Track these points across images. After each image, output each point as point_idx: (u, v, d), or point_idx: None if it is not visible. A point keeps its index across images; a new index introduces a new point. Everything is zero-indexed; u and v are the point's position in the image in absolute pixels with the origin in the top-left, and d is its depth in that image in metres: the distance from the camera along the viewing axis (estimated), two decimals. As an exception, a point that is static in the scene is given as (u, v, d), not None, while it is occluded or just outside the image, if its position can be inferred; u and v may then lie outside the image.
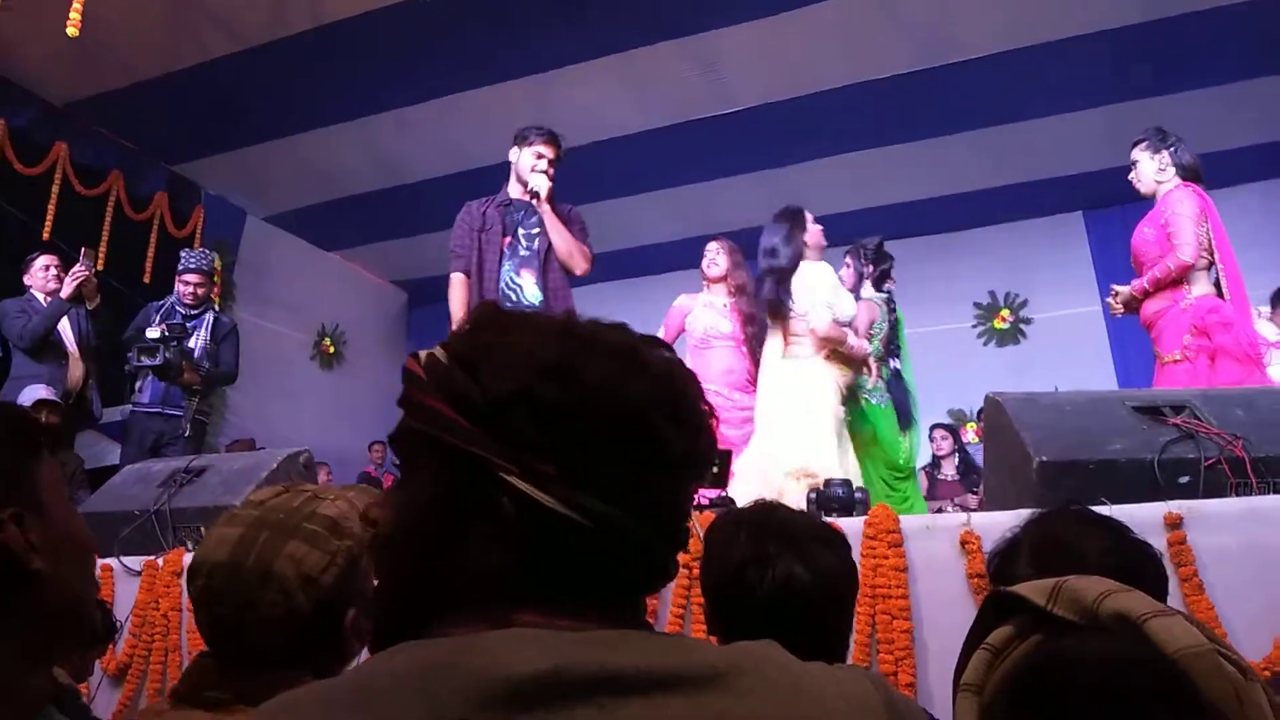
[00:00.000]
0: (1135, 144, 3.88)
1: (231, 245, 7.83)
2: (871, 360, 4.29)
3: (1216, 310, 3.50)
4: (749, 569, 1.23)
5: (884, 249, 4.94)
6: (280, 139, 6.86)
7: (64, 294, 4.81)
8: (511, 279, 3.97)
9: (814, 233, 4.17)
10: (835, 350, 3.98)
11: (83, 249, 5.02)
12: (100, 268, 5.35)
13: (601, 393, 0.67)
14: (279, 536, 1.20)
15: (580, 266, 4.06)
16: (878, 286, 4.84)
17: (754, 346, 4.34)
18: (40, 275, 5.02)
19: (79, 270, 4.83)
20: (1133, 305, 3.80)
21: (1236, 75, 6.01)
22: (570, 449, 0.66)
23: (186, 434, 4.89)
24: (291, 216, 8.19)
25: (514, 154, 4.11)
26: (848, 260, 4.92)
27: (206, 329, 5.09)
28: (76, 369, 4.93)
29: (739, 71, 6.18)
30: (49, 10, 4.50)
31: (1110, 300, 3.90)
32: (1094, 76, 6.05)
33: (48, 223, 6.13)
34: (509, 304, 3.90)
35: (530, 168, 4.00)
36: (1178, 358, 3.50)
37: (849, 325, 4.06)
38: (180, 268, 5.19)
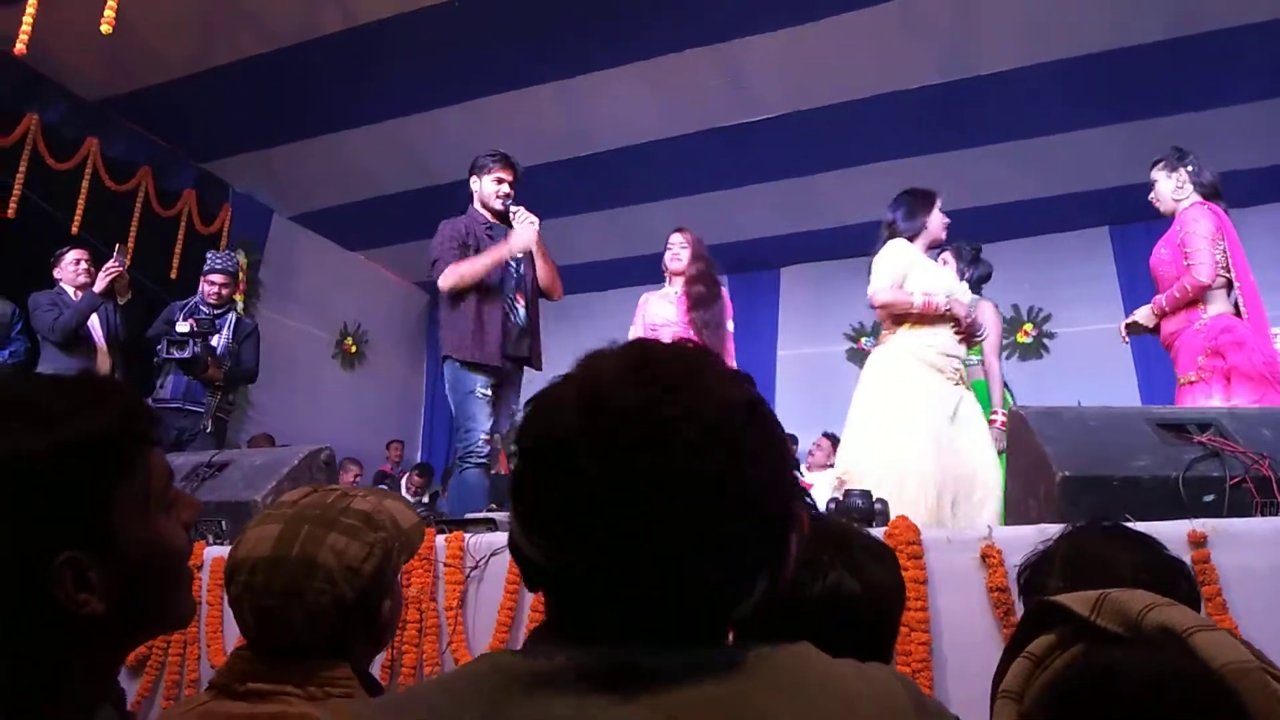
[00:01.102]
0: (1154, 164, 3.88)
1: (257, 243, 7.92)
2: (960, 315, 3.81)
3: (1230, 330, 3.47)
4: (798, 573, 1.23)
5: (981, 254, 4.84)
6: (309, 139, 6.93)
7: (97, 288, 4.90)
8: (511, 300, 4.14)
9: (938, 219, 3.98)
10: (910, 318, 3.74)
11: (116, 245, 5.11)
12: (129, 255, 5.41)
13: (529, 434, 0.71)
14: (319, 529, 1.24)
15: (559, 292, 4.33)
16: (976, 289, 4.72)
17: (700, 332, 4.24)
18: (70, 270, 5.10)
19: (113, 266, 4.92)
20: (1139, 330, 3.80)
21: (1263, 93, 5.95)
22: (519, 495, 0.71)
23: (208, 430, 4.97)
24: (317, 216, 8.27)
25: (474, 182, 4.26)
26: (946, 258, 4.76)
27: (229, 328, 5.19)
28: (105, 363, 5.00)
29: (764, 80, 6.18)
30: (83, 7, 4.56)
31: (1120, 328, 3.90)
32: (1120, 92, 6.01)
33: (77, 217, 6.21)
34: (509, 323, 4.09)
35: (495, 195, 4.17)
36: (1193, 379, 3.48)
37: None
38: (206, 268, 5.28)
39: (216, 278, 5.21)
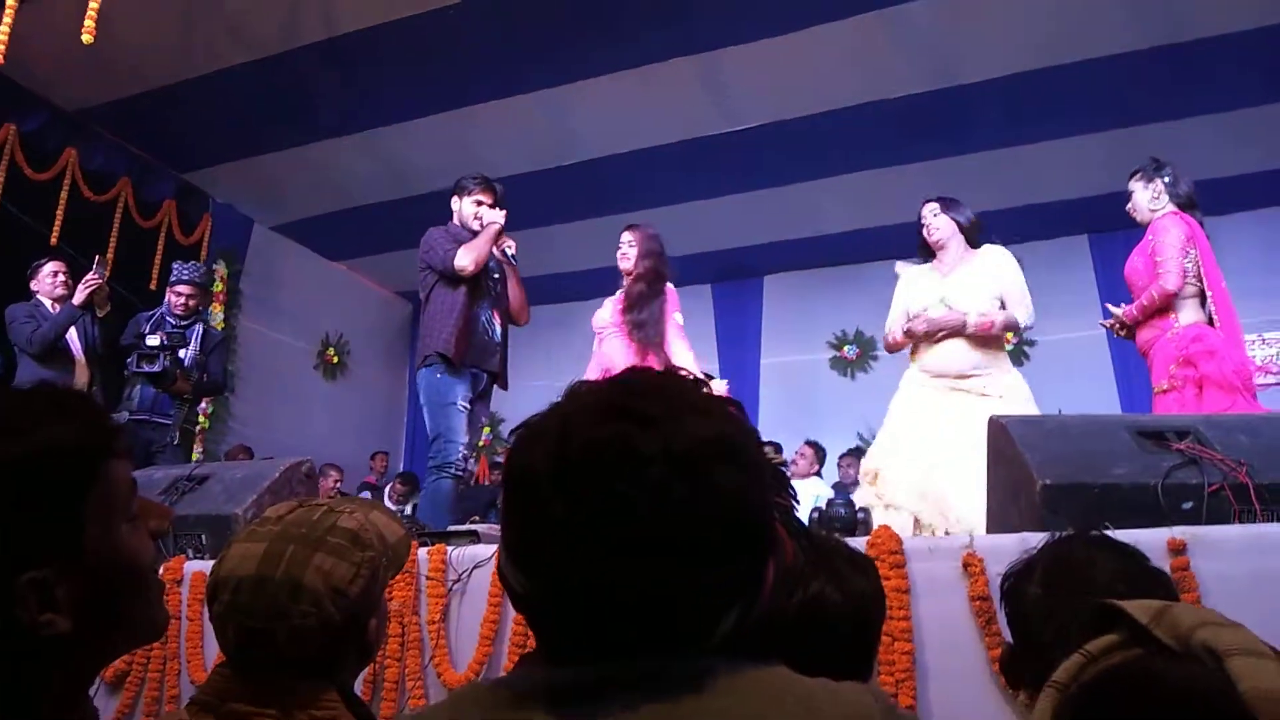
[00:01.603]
0: (1131, 175, 3.93)
1: (238, 254, 7.87)
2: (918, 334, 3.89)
3: (1201, 339, 3.52)
4: (779, 583, 1.23)
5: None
6: (291, 149, 6.90)
7: (76, 301, 4.86)
8: (488, 316, 4.23)
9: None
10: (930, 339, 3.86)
11: (96, 257, 5.07)
12: (109, 268, 5.39)
13: (510, 465, 0.72)
14: (305, 549, 1.22)
15: (525, 318, 4.44)
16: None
17: (632, 333, 4.19)
18: (48, 282, 5.06)
19: (92, 278, 4.88)
20: (1125, 330, 3.84)
21: (1242, 102, 6.02)
22: (504, 525, 0.72)
23: (175, 442, 5.02)
24: (299, 226, 8.23)
25: (455, 202, 4.34)
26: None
27: (196, 340, 5.18)
28: (83, 375, 4.96)
29: (747, 89, 6.20)
30: (63, 17, 4.53)
31: (1109, 324, 3.91)
32: (1100, 101, 6.07)
33: (55, 228, 6.16)
34: (486, 336, 4.17)
35: (473, 217, 4.25)
36: (1165, 387, 3.51)
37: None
38: (173, 279, 5.28)
39: (183, 289, 5.19)
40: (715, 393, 0.75)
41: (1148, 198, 3.81)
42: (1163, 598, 1.26)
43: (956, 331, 3.78)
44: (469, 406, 4.08)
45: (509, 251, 4.27)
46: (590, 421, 0.68)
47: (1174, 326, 3.56)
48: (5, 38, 4.30)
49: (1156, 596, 1.24)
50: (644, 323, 4.16)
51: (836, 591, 1.20)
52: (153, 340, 4.79)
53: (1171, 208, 3.74)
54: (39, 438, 0.79)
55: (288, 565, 1.20)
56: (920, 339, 3.91)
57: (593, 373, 4.22)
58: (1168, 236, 3.62)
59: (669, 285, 4.31)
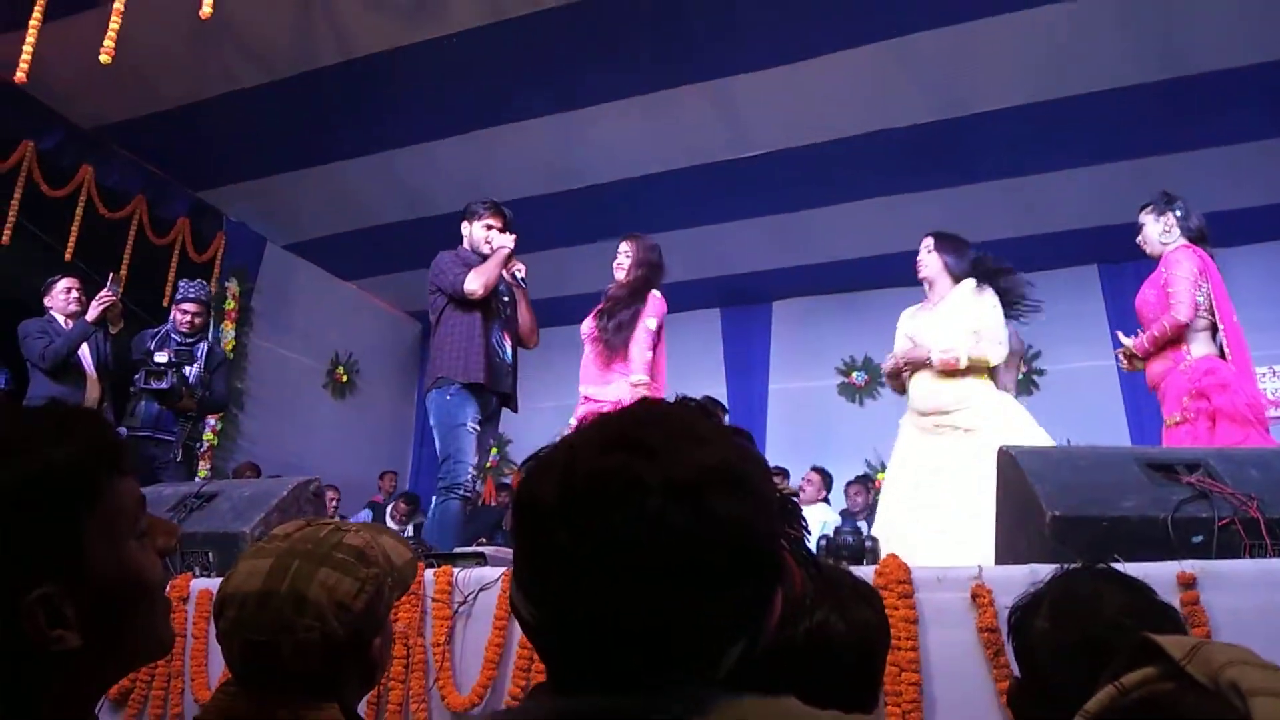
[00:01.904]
0: (1142, 208, 3.93)
1: (250, 272, 7.92)
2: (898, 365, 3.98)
3: (1214, 371, 3.51)
4: (786, 613, 1.22)
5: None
6: (304, 169, 6.96)
7: (89, 317, 4.90)
8: (499, 338, 4.25)
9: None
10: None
11: (110, 275, 5.12)
12: (123, 285, 5.44)
13: (520, 497, 0.73)
14: (310, 564, 1.23)
15: (535, 342, 4.48)
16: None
17: (601, 338, 4.18)
18: (61, 298, 5.09)
19: (106, 295, 4.92)
20: (1136, 363, 3.81)
21: (1251, 135, 6.04)
22: (515, 554, 0.74)
23: (178, 459, 5.08)
24: (311, 245, 8.28)
25: (465, 227, 4.38)
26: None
27: (201, 358, 5.25)
28: (94, 391, 4.99)
29: (757, 116, 6.24)
30: (82, 36, 4.59)
31: (1119, 354, 3.89)
32: (1109, 132, 6.09)
33: (70, 244, 6.22)
34: (497, 358, 4.19)
35: (484, 240, 4.27)
36: (1178, 419, 3.49)
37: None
38: (179, 296, 5.38)
39: (189, 306, 5.29)
40: (722, 422, 0.76)
41: (1159, 231, 3.81)
42: (1170, 632, 1.26)
43: (921, 367, 3.85)
44: (478, 428, 4.09)
45: (518, 275, 4.31)
46: (594, 453, 0.69)
47: (1186, 359, 3.55)
48: (29, 56, 4.36)
49: (1164, 631, 1.24)
50: (612, 327, 4.13)
51: (841, 621, 1.20)
52: (160, 357, 4.86)
53: (1183, 241, 3.74)
54: (40, 457, 0.80)
55: (292, 579, 1.21)
56: (892, 376, 4.06)
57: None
58: (1180, 269, 3.62)
59: (654, 293, 4.21)
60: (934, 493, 3.62)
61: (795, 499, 0.80)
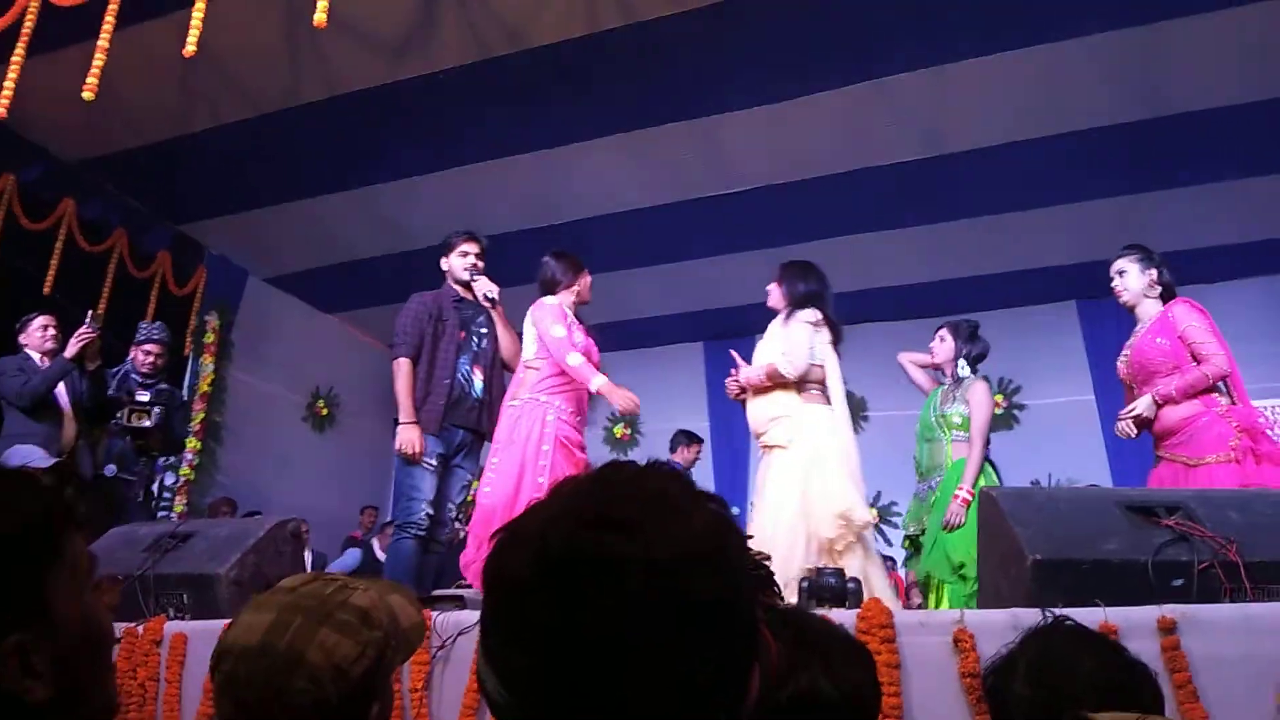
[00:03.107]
0: (1126, 252, 3.92)
1: (231, 305, 7.88)
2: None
3: (1255, 414, 3.58)
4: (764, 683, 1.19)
5: (978, 331, 4.87)
6: (287, 203, 6.96)
7: (68, 354, 4.84)
8: (467, 372, 4.24)
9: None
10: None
11: (90, 312, 5.08)
12: (101, 321, 5.42)
13: (490, 570, 0.71)
14: (312, 623, 1.19)
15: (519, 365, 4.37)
16: (973, 367, 4.76)
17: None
18: (37, 335, 5.03)
19: (85, 332, 4.86)
20: (1145, 424, 3.71)
21: (1227, 174, 6.14)
22: (483, 627, 0.71)
23: (139, 499, 5.15)
24: (293, 278, 8.26)
25: (444, 262, 4.43)
26: (944, 334, 4.82)
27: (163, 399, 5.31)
28: (70, 428, 4.93)
29: (742, 154, 6.30)
30: (65, 70, 4.59)
31: (1123, 425, 3.78)
32: (1088, 170, 6.18)
33: (50, 277, 6.18)
34: (462, 394, 4.20)
35: (462, 268, 4.33)
36: (1225, 458, 3.44)
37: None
38: (141, 338, 5.46)
39: (152, 348, 5.39)
40: (693, 488, 0.75)
41: (1143, 283, 3.82)
42: (1146, 691, 1.26)
43: (748, 389, 4.12)
44: (434, 464, 4.08)
45: (491, 295, 4.27)
46: (569, 528, 0.67)
47: (1221, 403, 3.55)
48: (10, 91, 4.35)
49: (1140, 691, 1.24)
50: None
51: (829, 683, 1.17)
52: (142, 396, 4.88)
53: (1159, 299, 3.80)
54: (10, 513, 0.83)
55: (292, 638, 1.17)
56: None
57: None
58: (1198, 320, 3.64)
59: (544, 299, 4.20)
60: (760, 514, 3.83)
61: (768, 563, 0.79)
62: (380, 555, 7.82)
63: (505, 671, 0.68)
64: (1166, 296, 3.81)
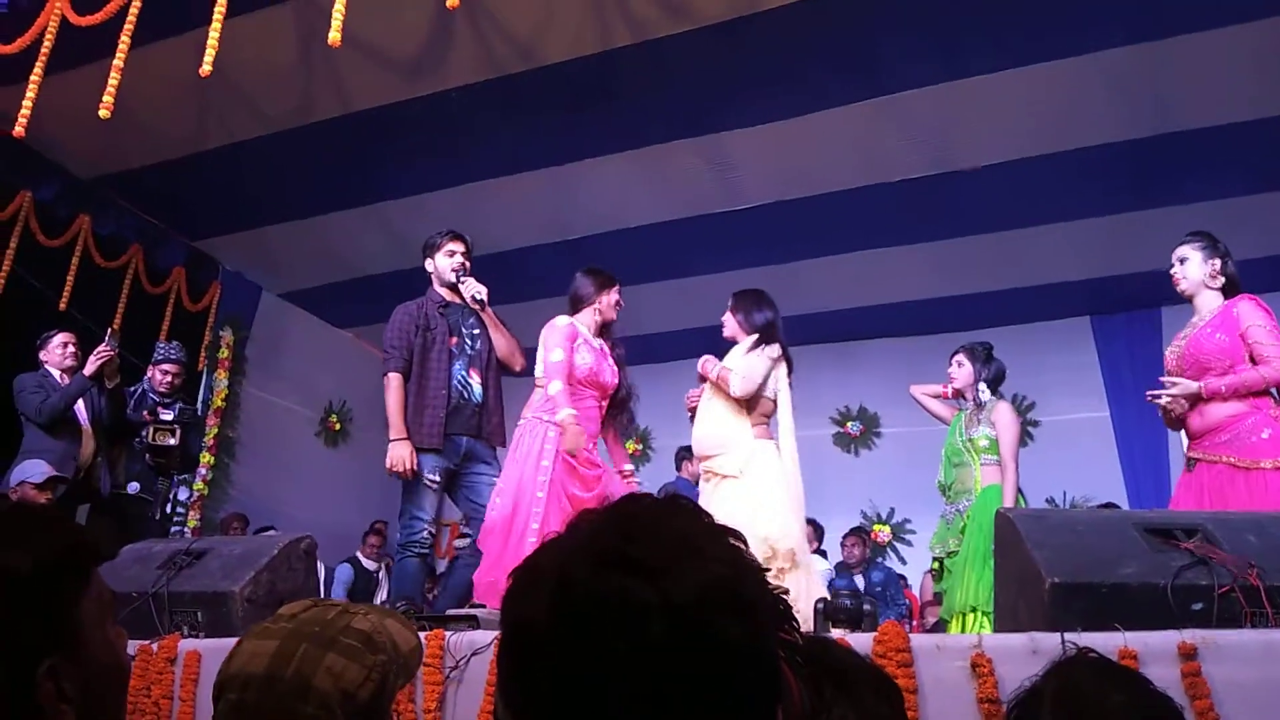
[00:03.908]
0: (1187, 240, 3.76)
1: (245, 320, 7.92)
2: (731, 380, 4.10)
3: None
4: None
5: (993, 352, 4.88)
6: (301, 219, 6.99)
7: (87, 372, 4.89)
8: (464, 378, 4.18)
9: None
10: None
11: (109, 329, 5.15)
12: (119, 339, 5.47)
13: (506, 611, 0.71)
14: (317, 648, 1.19)
15: (519, 363, 4.37)
16: (993, 389, 4.77)
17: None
18: (57, 353, 5.09)
19: (104, 350, 4.91)
20: (1179, 407, 3.55)
21: (1238, 190, 6.11)
22: (500, 669, 0.71)
23: (157, 517, 5.24)
24: (307, 294, 8.29)
25: (429, 264, 4.39)
26: (960, 360, 4.85)
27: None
28: (88, 445, 4.97)
29: (750, 171, 6.30)
30: (82, 89, 4.63)
31: (1165, 397, 3.57)
32: (1100, 186, 6.16)
33: (65, 294, 6.22)
34: (461, 400, 4.14)
35: (450, 269, 4.28)
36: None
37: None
38: (158, 357, 5.53)
39: (170, 367, 5.46)
40: (713, 525, 0.74)
41: (1205, 272, 3.66)
42: None
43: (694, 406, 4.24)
44: (436, 479, 4.04)
45: (478, 296, 4.21)
46: (588, 571, 0.66)
47: (1273, 408, 3.42)
48: (28, 111, 4.39)
49: (1166, 720, 1.22)
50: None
51: None
52: (166, 415, 4.96)
53: (1221, 292, 3.64)
54: (49, 543, 0.89)
55: (299, 664, 1.17)
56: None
57: None
58: (1263, 320, 3.48)
59: (555, 320, 4.22)
60: None
61: (785, 596, 0.78)
62: (367, 565, 7.84)
63: (521, 713, 0.67)
64: (1228, 290, 3.65)
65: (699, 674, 0.64)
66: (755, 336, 4.15)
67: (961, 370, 4.78)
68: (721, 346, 4.38)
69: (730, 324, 4.29)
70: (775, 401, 4.11)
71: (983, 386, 4.70)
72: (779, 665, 0.70)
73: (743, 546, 0.73)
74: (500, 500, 3.88)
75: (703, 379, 4.22)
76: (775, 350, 4.11)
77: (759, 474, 3.91)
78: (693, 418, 4.28)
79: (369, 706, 1.19)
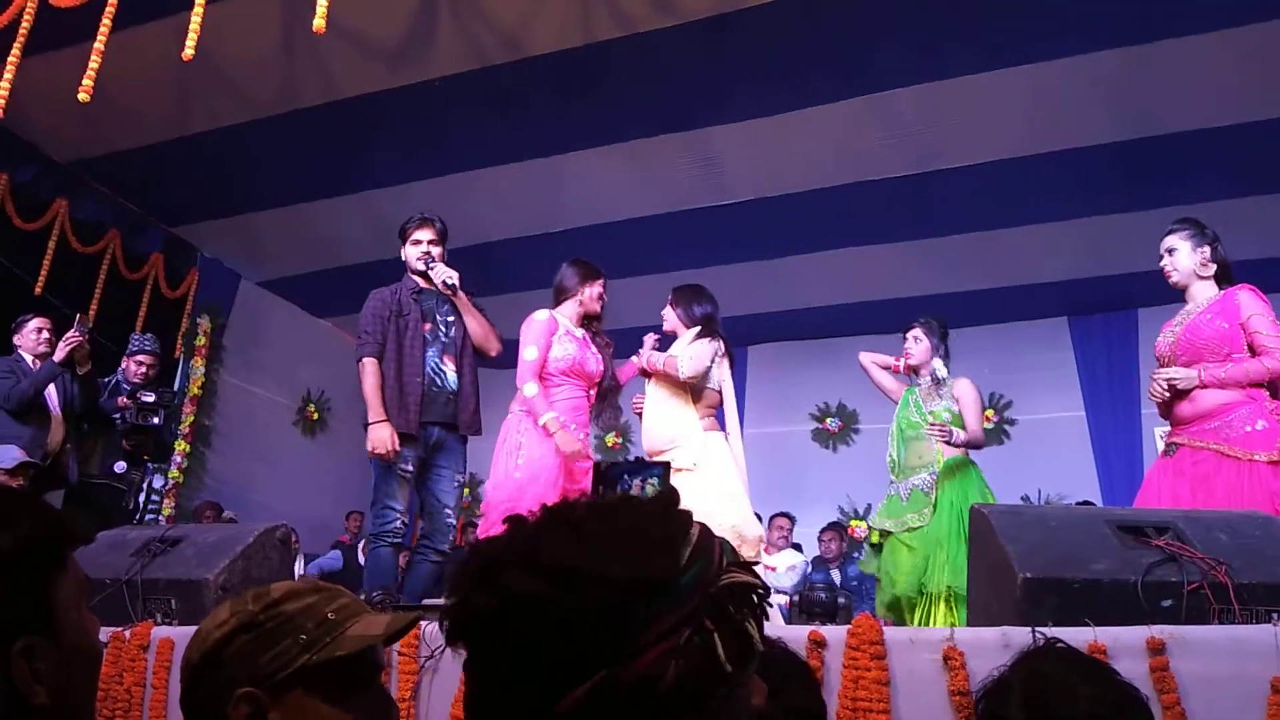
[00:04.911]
0: (1173, 229, 3.63)
1: (223, 308, 7.87)
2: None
3: None
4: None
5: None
6: (281, 207, 6.94)
7: (56, 358, 4.84)
8: (437, 364, 4.12)
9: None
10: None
11: (78, 315, 5.07)
12: (90, 326, 5.42)
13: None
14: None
15: (495, 348, 4.26)
16: (946, 364, 4.72)
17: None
18: (31, 337, 5.03)
19: (73, 335, 4.85)
20: (1174, 394, 3.46)
21: (1216, 194, 6.17)
22: None
23: (130, 506, 5.18)
24: (286, 282, 8.24)
25: (403, 252, 4.34)
26: (918, 335, 4.76)
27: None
28: (58, 432, 4.91)
29: (736, 167, 6.32)
30: (61, 72, 4.58)
31: (1158, 386, 3.48)
32: (1079, 187, 6.21)
33: (41, 277, 6.15)
34: (435, 388, 4.07)
35: (415, 258, 4.22)
36: (1275, 458, 3.21)
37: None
38: (133, 349, 5.50)
39: (144, 358, 5.45)
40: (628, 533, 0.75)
41: (1195, 261, 3.55)
42: (1139, 712, 1.27)
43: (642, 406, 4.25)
44: (409, 469, 3.98)
45: (450, 282, 4.13)
46: (514, 575, 0.72)
47: (1268, 400, 3.33)
48: (5, 92, 4.34)
49: (1134, 712, 1.25)
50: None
51: (780, 710, 1.18)
52: (147, 397, 4.94)
53: (1214, 280, 3.54)
54: (27, 526, 0.90)
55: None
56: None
57: None
58: (1264, 310, 3.40)
59: (533, 315, 4.21)
60: None
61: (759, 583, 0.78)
62: (363, 560, 7.81)
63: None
64: (1221, 278, 3.55)
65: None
66: (697, 329, 4.17)
67: (919, 345, 4.71)
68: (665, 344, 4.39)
69: (670, 318, 4.31)
70: (720, 393, 4.14)
71: (939, 362, 4.67)
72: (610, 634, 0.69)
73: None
74: (491, 493, 3.97)
75: (645, 374, 4.23)
76: (719, 345, 4.15)
77: (714, 465, 3.92)
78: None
79: (219, 646, 1.10)
